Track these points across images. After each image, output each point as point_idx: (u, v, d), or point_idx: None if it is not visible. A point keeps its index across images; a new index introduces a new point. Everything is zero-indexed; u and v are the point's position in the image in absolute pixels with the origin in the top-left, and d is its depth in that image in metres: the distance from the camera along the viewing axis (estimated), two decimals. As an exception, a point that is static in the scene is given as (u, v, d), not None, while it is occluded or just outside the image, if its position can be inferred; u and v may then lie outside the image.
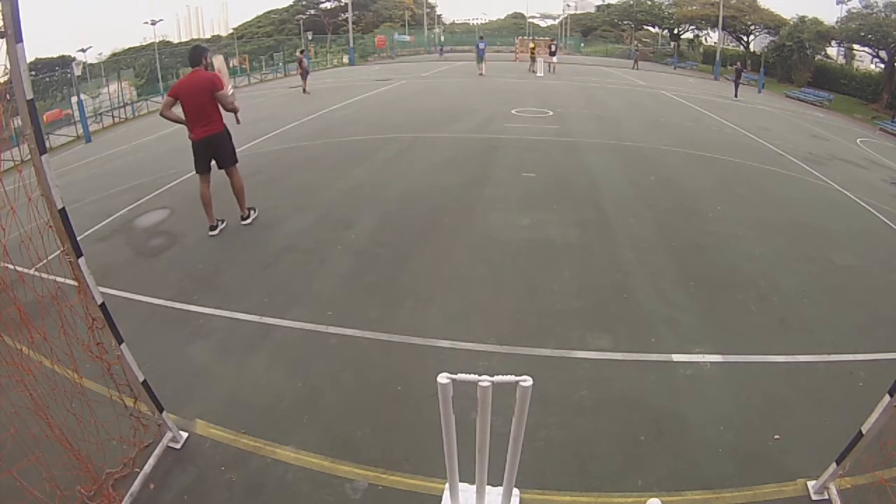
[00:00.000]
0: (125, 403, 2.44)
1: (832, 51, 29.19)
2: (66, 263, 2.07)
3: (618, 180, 6.83)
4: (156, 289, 4.12)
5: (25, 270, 2.13)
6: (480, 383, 1.54)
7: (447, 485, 1.97)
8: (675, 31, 39.68)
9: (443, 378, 1.56)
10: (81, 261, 2.05)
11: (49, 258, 2.16)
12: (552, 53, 24.88)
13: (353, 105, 13.22)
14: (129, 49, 40.88)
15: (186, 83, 4.69)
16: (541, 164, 7.48)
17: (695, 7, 36.16)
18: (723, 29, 32.22)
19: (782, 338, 3.55)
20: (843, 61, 29.23)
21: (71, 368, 2.27)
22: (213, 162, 4.97)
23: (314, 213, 5.59)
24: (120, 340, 2.26)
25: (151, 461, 2.48)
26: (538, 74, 22.14)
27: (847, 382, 3.13)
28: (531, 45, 27.76)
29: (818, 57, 28.52)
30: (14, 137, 2.07)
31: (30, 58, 1.82)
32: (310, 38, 37.59)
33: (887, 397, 1.96)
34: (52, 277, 2.32)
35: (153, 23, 35.13)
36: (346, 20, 35.73)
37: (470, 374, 1.57)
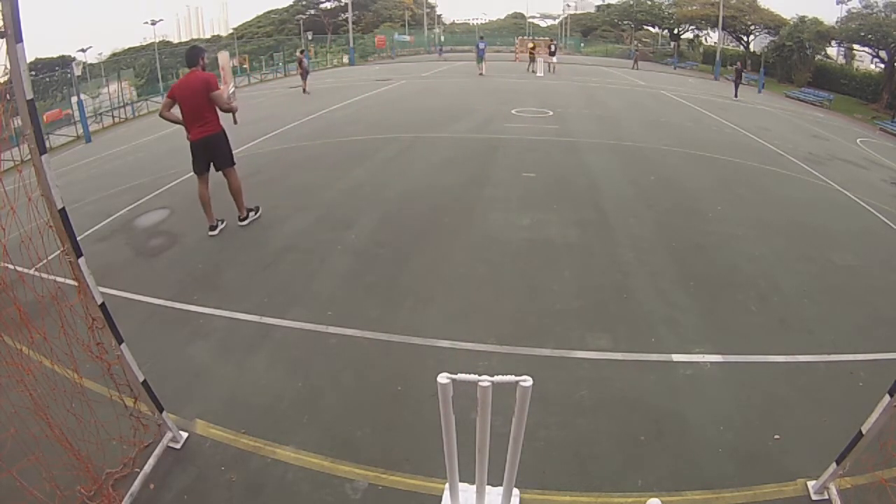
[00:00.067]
0: (125, 403, 2.44)
1: (832, 51, 29.21)
2: (66, 263, 2.07)
3: (618, 180, 6.83)
4: (156, 289, 4.12)
5: (25, 270, 2.13)
6: (480, 383, 1.54)
7: (447, 485, 1.97)
8: (675, 31, 39.69)
9: (443, 378, 1.56)
10: (81, 261, 2.05)
11: (49, 258, 2.16)
12: (552, 53, 24.93)
13: (353, 105, 13.22)
14: (129, 49, 40.91)
15: (183, 84, 4.70)
16: (541, 164, 7.48)
17: (695, 7, 36.17)
18: (723, 29, 32.23)
19: (782, 338, 3.55)
20: (843, 61, 29.23)
21: (71, 368, 2.27)
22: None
23: (314, 213, 5.59)
24: (120, 340, 2.26)
25: (151, 461, 2.48)
26: (538, 74, 22.14)
27: (847, 382, 3.13)
28: (530, 45, 27.74)
29: (818, 57, 28.53)
30: (14, 137, 2.07)
31: (30, 58, 1.82)
32: (310, 38, 37.61)
33: (887, 397, 1.96)
34: (52, 277, 2.32)
35: (153, 23, 35.19)
36: (346, 20, 35.74)
37: (470, 374, 1.57)
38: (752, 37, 34.17)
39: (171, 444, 2.59)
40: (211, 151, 4.86)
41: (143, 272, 4.51)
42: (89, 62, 33.04)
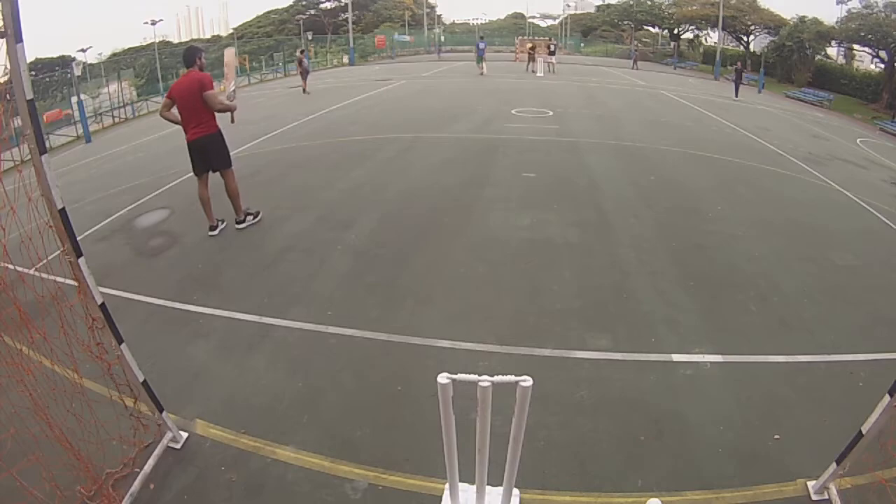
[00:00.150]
0: (125, 403, 2.44)
1: (832, 51, 29.20)
2: (66, 263, 2.07)
3: (618, 180, 6.83)
4: (156, 289, 4.12)
5: (25, 270, 2.13)
6: (480, 383, 1.54)
7: (447, 485, 1.97)
8: (675, 31, 39.67)
9: (443, 378, 1.56)
10: (81, 261, 2.05)
11: (49, 258, 2.16)
12: (551, 53, 24.96)
13: (353, 105, 13.22)
14: (129, 49, 40.90)
15: (180, 84, 4.70)
16: (541, 163, 7.48)
17: (695, 7, 36.14)
18: (723, 29, 32.22)
19: (782, 338, 3.55)
20: (843, 61, 29.23)
21: (71, 368, 2.27)
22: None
23: (314, 213, 5.58)
24: (120, 340, 2.26)
25: (151, 461, 2.48)
26: (538, 74, 22.14)
27: (847, 382, 3.13)
28: (529, 44, 27.74)
29: (818, 57, 28.52)
30: (14, 137, 2.07)
31: (30, 58, 1.82)
32: (310, 38, 37.56)
33: (887, 397, 1.96)
34: (52, 277, 2.32)
35: (153, 23, 35.20)
36: (346, 20, 35.73)
37: (470, 374, 1.57)
38: (752, 37, 34.17)
39: (171, 444, 2.59)
40: (207, 152, 4.83)
41: (143, 272, 4.51)
42: (89, 62, 33.05)
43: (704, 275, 4.37)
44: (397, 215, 5.52)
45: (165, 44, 40.03)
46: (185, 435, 2.64)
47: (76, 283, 2.11)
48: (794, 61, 27.67)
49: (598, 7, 47.79)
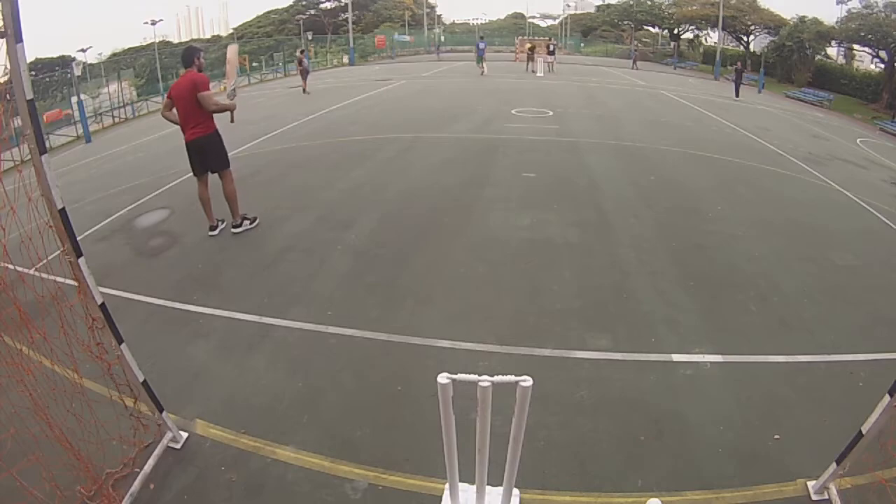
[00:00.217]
0: (125, 403, 2.44)
1: (832, 51, 29.20)
2: (66, 263, 2.07)
3: (618, 180, 6.83)
4: (156, 289, 4.12)
5: (25, 270, 2.13)
6: (480, 383, 1.54)
7: (447, 485, 1.97)
8: (675, 31, 39.67)
9: (443, 378, 1.56)
10: (81, 261, 2.05)
11: (49, 258, 2.16)
12: (550, 53, 24.98)
13: (353, 105, 13.22)
14: (129, 49, 40.92)
15: (178, 85, 4.68)
16: (541, 163, 7.48)
17: (695, 7, 36.14)
18: (723, 29, 32.22)
19: (782, 338, 3.55)
20: (843, 61, 29.23)
21: (71, 368, 2.27)
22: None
23: (314, 213, 5.58)
24: (120, 340, 2.26)
25: (151, 461, 2.48)
26: (538, 74, 22.16)
27: (847, 382, 3.13)
28: (528, 45, 27.75)
29: (818, 57, 28.53)
30: (14, 137, 2.07)
31: (30, 58, 1.82)
32: (310, 38, 37.56)
33: (887, 397, 1.96)
34: (52, 277, 2.32)
35: (153, 23, 35.21)
36: (346, 20, 35.73)
37: (470, 374, 1.57)
38: (752, 37, 34.17)
39: (171, 444, 2.59)
40: (204, 153, 4.79)
41: (143, 272, 4.51)
42: (89, 62, 33.06)
43: (704, 275, 4.37)
44: (397, 215, 5.52)
45: (165, 44, 40.05)
46: (185, 435, 2.64)
47: (76, 283, 2.11)
48: (794, 61, 27.68)
49: (598, 7, 47.82)
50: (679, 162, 8.02)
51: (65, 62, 29.38)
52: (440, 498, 2.12)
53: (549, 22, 54.37)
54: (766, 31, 32.62)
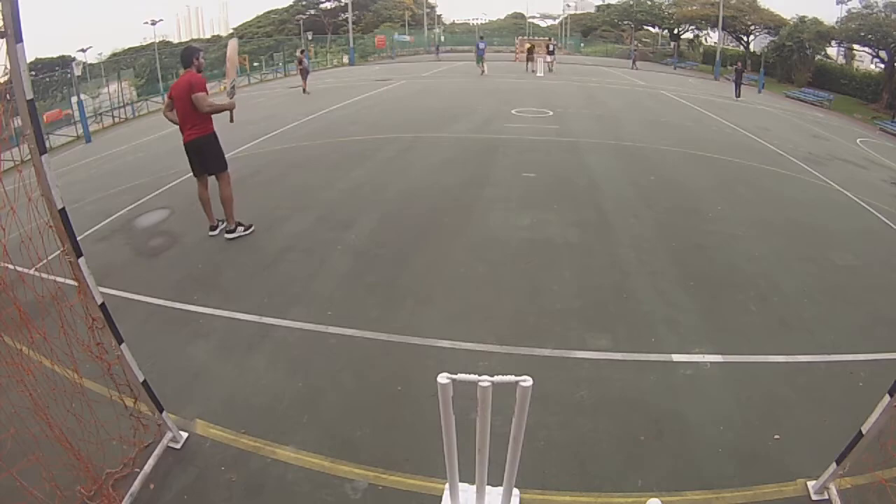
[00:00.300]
0: (125, 403, 2.44)
1: (832, 51, 29.21)
2: (66, 263, 2.07)
3: (618, 180, 6.83)
4: (156, 289, 4.12)
5: (25, 270, 2.13)
6: (480, 383, 1.54)
7: (447, 485, 1.97)
8: (675, 31, 39.67)
9: (443, 378, 1.56)
10: (81, 261, 2.05)
11: (49, 258, 2.16)
12: (550, 53, 25.01)
13: (353, 105, 13.22)
14: (129, 49, 40.91)
15: (176, 85, 4.66)
16: (541, 163, 7.49)
17: (695, 7, 36.15)
18: (723, 29, 32.22)
19: (782, 338, 3.55)
20: (843, 61, 29.23)
21: (71, 368, 2.27)
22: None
23: (314, 213, 5.58)
24: (120, 340, 2.26)
25: (151, 461, 2.48)
26: (538, 74, 22.16)
27: (847, 382, 3.13)
28: (527, 45, 27.75)
29: (818, 57, 28.53)
30: (14, 137, 2.07)
31: (30, 58, 1.82)
32: (310, 38, 37.56)
33: (887, 397, 1.96)
34: (52, 277, 2.32)
35: (153, 23, 35.20)
36: (346, 20, 35.73)
37: (470, 374, 1.57)
38: (752, 37, 34.17)
39: (171, 444, 2.59)
40: (200, 154, 4.76)
41: (143, 272, 4.51)
42: (89, 62, 33.04)
43: (704, 275, 4.37)
44: (397, 215, 5.52)
45: (165, 44, 40.04)
46: (185, 435, 2.64)
47: (76, 283, 2.11)
48: (794, 61, 27.68)
49: (598, 7, 47.81)
50: (679, 162, 8.02)
51: (65, 62, 29.38)
52: (440, 498, 2.12)
53: (549, 22, 54.44)
54: (766, 31, 32.63)
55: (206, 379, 3.12)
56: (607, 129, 10.29)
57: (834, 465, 2.21)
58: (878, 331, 3.66)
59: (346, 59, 32.72)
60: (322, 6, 45.69)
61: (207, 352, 3.36)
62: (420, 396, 2.88)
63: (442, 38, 42.18)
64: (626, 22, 43.35)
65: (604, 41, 46.02)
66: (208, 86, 4.73)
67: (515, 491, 2.02)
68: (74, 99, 16.62)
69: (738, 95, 19.11)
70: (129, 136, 13.03)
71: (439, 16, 51.84)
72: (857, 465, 2.18)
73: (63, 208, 1.97)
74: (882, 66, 25.28)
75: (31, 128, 1.79)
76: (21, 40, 1.73)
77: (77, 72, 24.16)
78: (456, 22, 56.04)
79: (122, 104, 19.68)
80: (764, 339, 3.52)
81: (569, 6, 49.79)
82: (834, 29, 27.07)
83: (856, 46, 27.29)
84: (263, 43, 37.51)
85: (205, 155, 4.78)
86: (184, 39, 52.83)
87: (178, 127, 4.84)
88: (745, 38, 34.44)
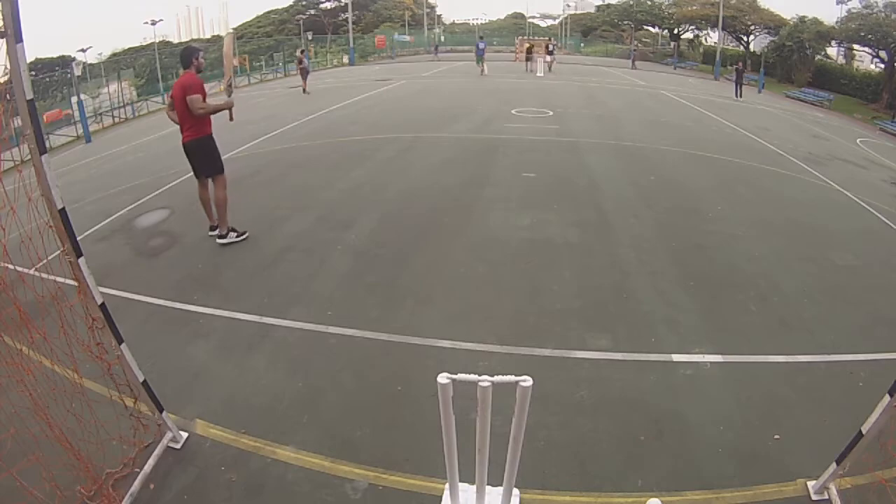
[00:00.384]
0: (125, 403, 2.44)
1: (832, 51, 29.20)
2: (66, 263, 2.07)
3: (618, 180, 6.83)
4: (156, 289, 4.12)
5: (25, 270, 2.13)
6: (480, 383, 1.54)
7: (447, 485, 1.97)
8: (675, 31, 39.67)
9: (443, 378, 1.56)
10: (81, 261, 2.05)
11: (49, 258, 2.16)
12: (549, 53, 25.03)
13: (353, 105, 13.22)
14: (129, 49, 40.90)
15: (175, 85, 4.65)
16: (541, 164, 7.49)
17: (695, 7, 36.15)
18: (723, 29, 32.22)
19: (782, 338, 3.55)
20: (843, 61, 29.23)
21: (71, 368, 2.27)
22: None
23: (314, 213, 5.58)
24: (120, 340, 2.26)
25: (151, 461, 2.48)
26: (538, 74, 22.16)
27: (847, 382, 3.13)
28: (527, 44, 27.74)
29: (818, 57, 28.53)
30: (14, 137, 2.07)
31: (30, 58, 1.82)
32: (310, 38, 37.55)
33: (887, 397, 1.96)
34: (52, 277, 2.32)
35: (153, 23, 35.20)
36: (346, 20, 35.73)
37: (470, 374, 1.57)
38: (752, 37, 34.17)
39: (171, 444, 2.59)
40: (196, 156, 4.73)
41: (143, 272, 4.51)
42: (89, 62, 33.03)
43: (704, 275, 4.37)
44: (397, 215, 5.52)
45: (165, 44, 40.02)
46: (185, 435, 2.64)
47: (76, 283, 2.11)
48: (794, 61, 27.68)
49: (598, 7, 47.82)
50: (679, 162, 8.02)
51: (65, 62, 29.37)
52: (440, 498, 2.12)
53: (549, 22, 54.46)
54: (766, 31, 32.63)
55: (206, 379, 3.12)
56: (607, 129, 10.29)
57: (834, 465, 2.21)
58: (878, 331, 3.66)
59: (346, 59, 32.72)
60: (322, 6, 45.71)
61: (207, 352, 3.36)
62: (420, 396, 2.88)
63: (442, 38, 42.23)
64: (626, 22, 43.34)
65: (604, 41, 46.03)
66: (208, 86, 4.71)
67: (515, 491, 2.02)
68: (74, 99, 16.61)
69: (739, 96, 19.11)
70: (129, 136, 13.03)
71: (439, 16, 51.93)
72: (857, 465, 2.18)
73: (63, 208, 1.97)
74: (882, 66, 25.28)
75: (31, 128, 1.79)
76: (21, 40, 1.73)
77: (77, 72, 24.16)
78: (456, 22, 56.13)
79: (122, 104, 19.66)
80: (764, 339, 3.52)
81: (569, 6, 49.86)
82: (834, 29, 27.07)
83: (856, 46, 27.29)
84: (263, 43, 37.50)
85: (198, 157, 4.74)
86: (184, 39, 52.80)
87: (177, 126, 4.84)
88: (745, 38, 34.44)
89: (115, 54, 39.93)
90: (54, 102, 20.24)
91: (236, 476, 2.44)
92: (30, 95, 1.79)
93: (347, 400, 2.93)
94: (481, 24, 54.36)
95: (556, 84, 18.44)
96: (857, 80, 26.37)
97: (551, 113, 11.75)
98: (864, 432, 2.06)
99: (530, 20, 54.99)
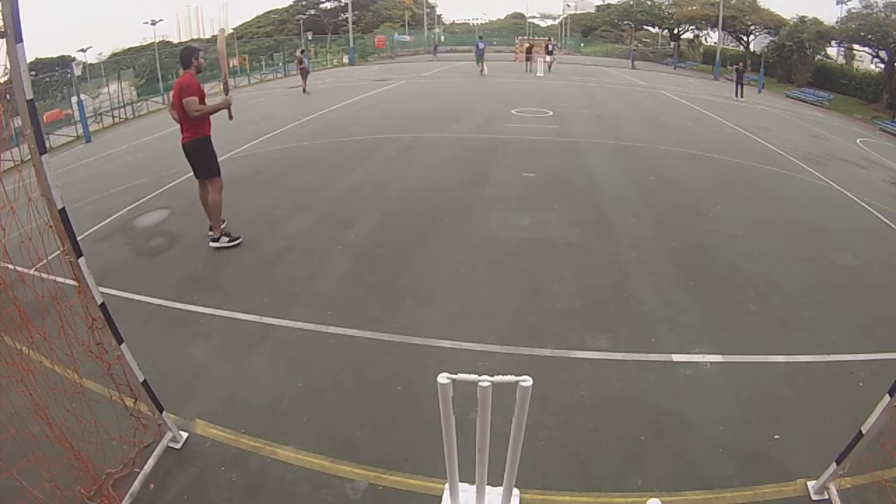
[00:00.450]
0: (125, 403, 2.44)
1: (832, 51, 29.20)
2: (66, 263, 2.07)
3: (618, 180, 6.83)
4: (156, 289, 4.12)
5: (25, 270, 2.13)
6: (480, 383, 1.54)
7: (447, 485, 1.97)
8: (675, 31, 39.67)
9: (443, 378, 1.56)
10: (81, 261, 2.05)
11: (49, 258, 2.16)
12: (549, 53, 25.05)
13: (353, 105, 13.22)
14: (129, 49, 40.85)
15: (174, 86, 4.67)
16: (541, 164, 7.48)
17: (695, 7, 36.14)
18: (723, 29, 32.22)
19: (782, 338, 3.55)
20: (843, 61, 29.23)
21: (71, 368, 2.27)
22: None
23: (314, 213, 5.58)
24: (120, 340, 2.26)
25: (151, 461, 2.48)
26: (538, 74, 22.17)
27: (847, 382, 3.13)
28: (527, 44, 27.74)
29: (818, 57, 28.53)
30: (14, 137, 2.07)
31: (30, 58, 1.82)
32: (310, 38, 37.54)
33: (887, 397, 1.96)
34: (52, 277, 2.32)
35: (153, 23, 35.17)
36: (346, 20, 35.73)
37: (470, 374, 1.57)
38: (752, 37, 34.17)
39: (171, 444, 2.59)
40: (191, 157, 4.72)
41: (143, 272, 4.51)
42: (89, 62, 32.99)
43: (704, 275, 4.37)
44: (397, 215, 5.52)
45: (165, 44, 39.96)
46: (185, 435, 2.64)
47: (76, 283, 2.11)
48: (794, 61, 27.68)
49: (598, 7, 47.80)
50: (679, 162, 8.02)
51: (65, 62, 29.36)
52: (440, 498, 2.12)
53: (549, 22, 54.44)
54: (766, 31, 32.62)
55: (206, 379, 3.12)
56: (607, 129, 10.29)
57: (834, 465, 2.21)
58: (878, 331, 3.66)
59: (346, 59, 32.72)
60: (322, 6, 45.71)
61: (207, 352, 3.36)
62: (420, 396, 2.88)
63: (442, 38, 42.23)
64: (626, 22, 43.33)
65: (604, 41, 46.02)
66: (209, 85, 4.70)
67: (515, 491, 2.02)
68: (74, 99, 16.61)
69: (740, 96, 19.10)
70: (129, 136, 13.02)
71: (439, 16, 51.93)
72: (857, 465, 2.18)
73: (63, 208, 1.97)
74: (882, 66, 25.28)
75: (31, 128, 1.79)
76: (21, 40, 1.73)
77: (77, 72, 24.15)
78: (456, 22, 56.11)
79: (122, 104, 19.65)
80: (764, 339, 3.52)
81: (569, 6, 49.84)
82: (834, 29, 27.07)
83: (856, 46, 27.29)
84: (263, 43, 37.50)
85: (194, 158, 4.73)
86: (184, 39, 52.73)
87: (177, 126, 4.83)
88: (745, 38, 34.44)
89: (115, 54, 39.89)
90: (54, 102, 20.22)
91: (236, 476, 2.44)
92: (30, 95, 1.79)
93: (347, 400, 2.93)
94: (481, 24, 54.39)
95: (555, 84, 18.44)
96: (857, 80, 26.37)
97: (551, 113, 11.75)
98: (864, 432, 2.06)
99: (530, 20, 55.03)
